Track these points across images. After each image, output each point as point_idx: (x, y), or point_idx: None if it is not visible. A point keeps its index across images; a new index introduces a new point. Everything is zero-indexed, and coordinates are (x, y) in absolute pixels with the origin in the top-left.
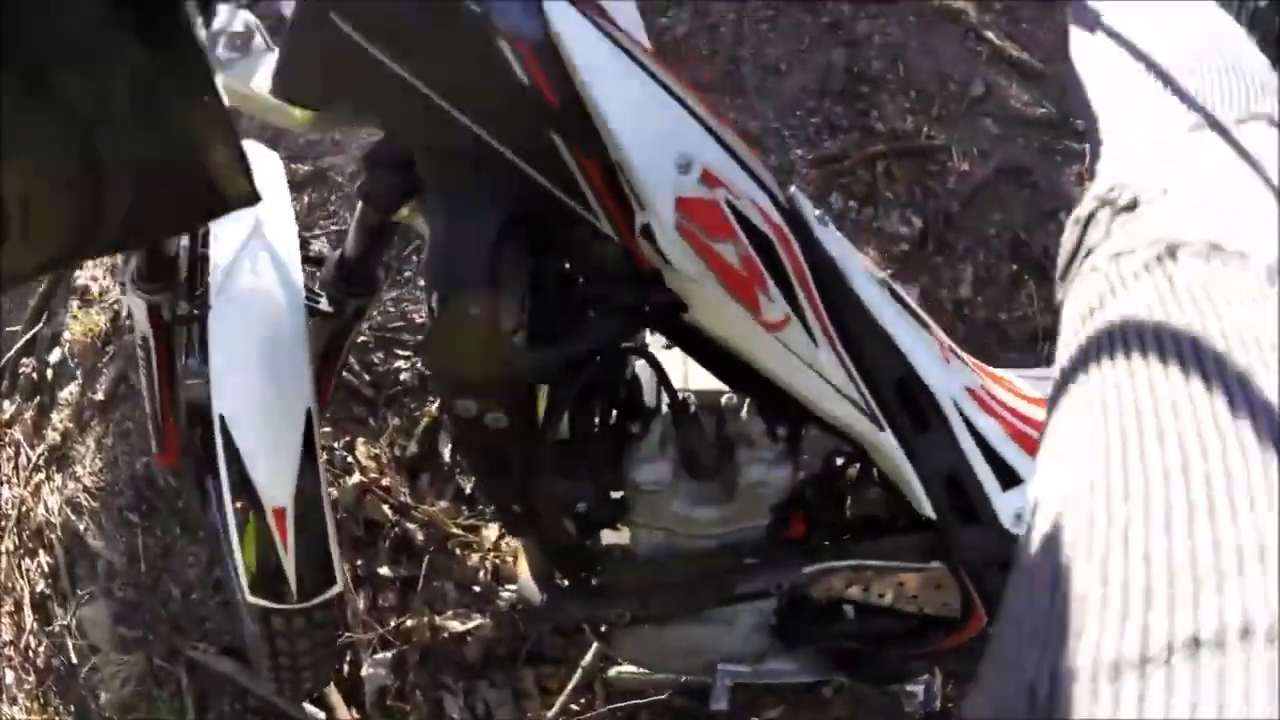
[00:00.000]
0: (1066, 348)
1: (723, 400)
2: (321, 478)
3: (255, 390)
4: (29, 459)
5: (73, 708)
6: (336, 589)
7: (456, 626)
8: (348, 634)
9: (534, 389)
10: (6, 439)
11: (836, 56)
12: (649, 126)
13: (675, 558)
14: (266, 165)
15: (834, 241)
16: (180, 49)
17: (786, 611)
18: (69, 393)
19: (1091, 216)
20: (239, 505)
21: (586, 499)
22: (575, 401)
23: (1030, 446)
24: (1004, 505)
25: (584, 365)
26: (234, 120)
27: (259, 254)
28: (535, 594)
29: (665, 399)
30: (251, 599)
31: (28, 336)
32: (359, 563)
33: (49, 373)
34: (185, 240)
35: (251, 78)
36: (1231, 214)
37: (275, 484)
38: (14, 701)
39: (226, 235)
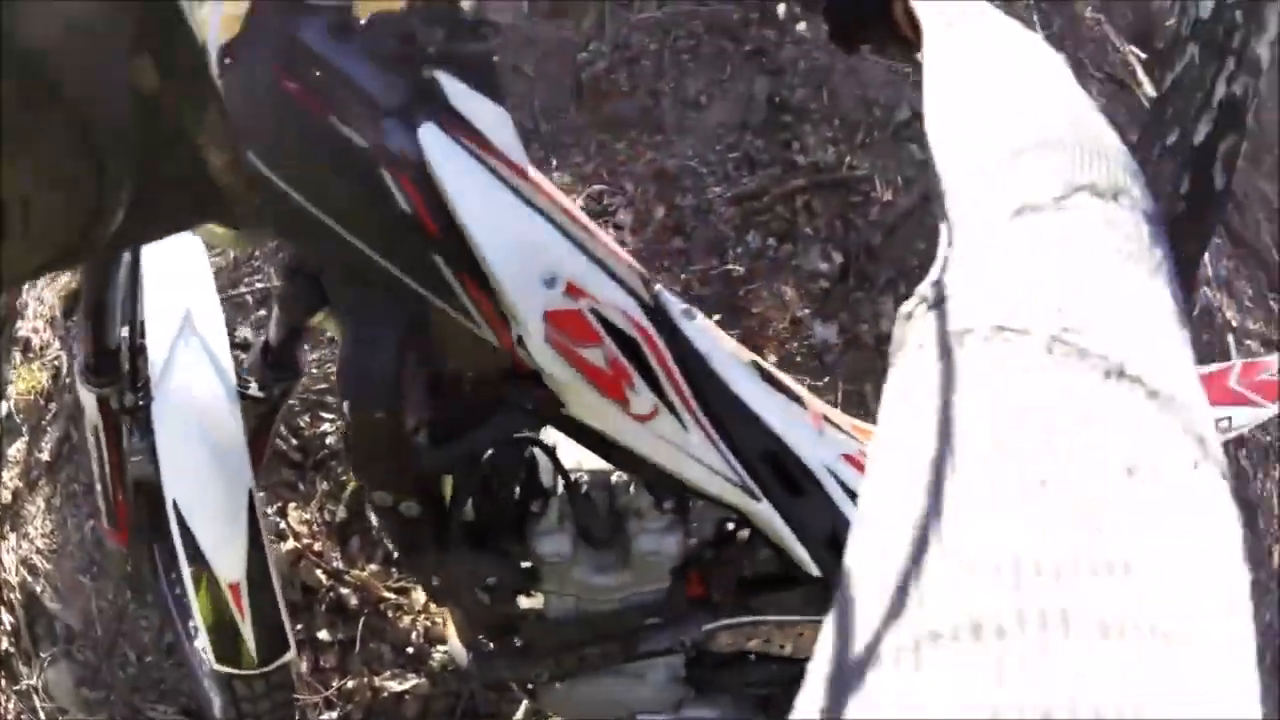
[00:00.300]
0: (881, 428)
1: (612, 478)
2: (268, 550)
3: (202, 476)
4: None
5: None
6: (291, 654)
7: (394, 686)
8: (296, 696)
9: (441, 477)
10: None
11: (759, 86)
12: (516, 247)
13: (585, 620)
14: (191, 253)
15: (700, 333)
16: (180, 48)
17: (695, 662)
18: (16, 450)
19: (911, 313)
20: (198, 584)
21: (495, 573)
22: (478, 487)
23: None
24: None
25: (481, 456)
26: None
27: (192, 344)
28: (463, 655)
29: (561, 480)
30: (217, 667)
31: None
32: (299, 626)
33: None
34: (125, 332)
35: None
36: (1023, 295)
37: (229, 561)
38: None
39: (160, 328)
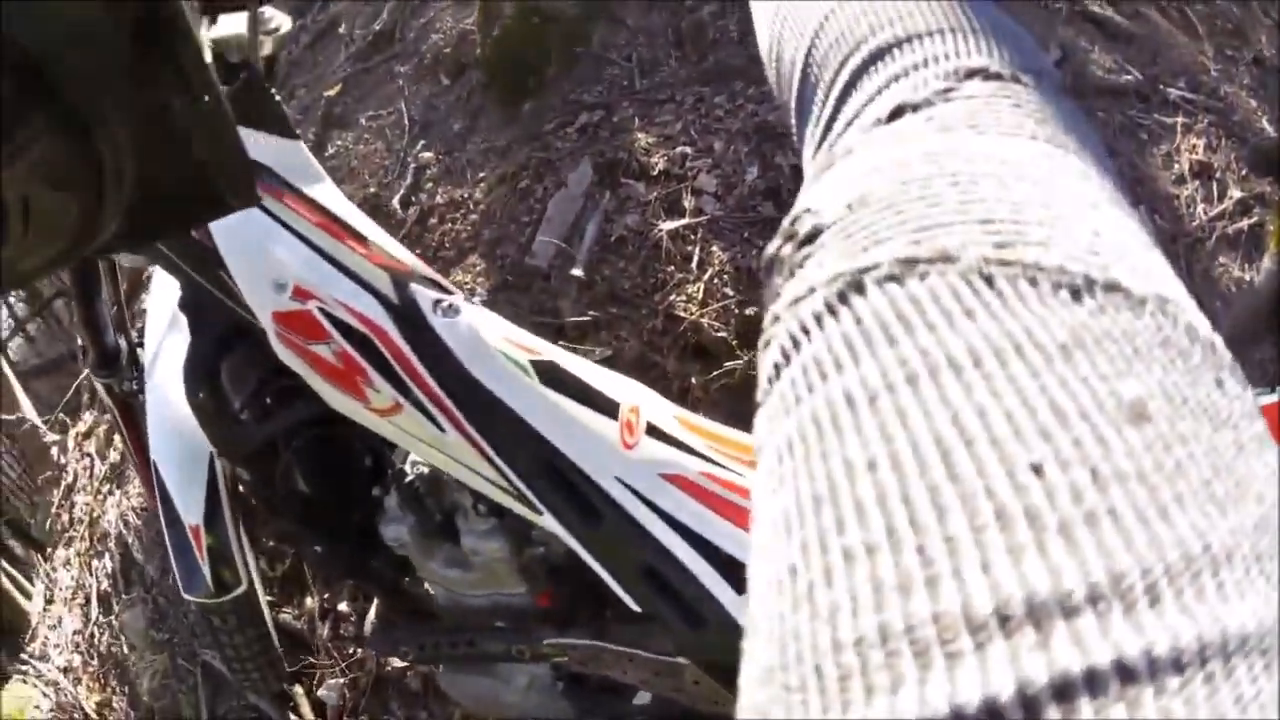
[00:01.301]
0: (758, 417)
1: (444, 475)
2: (224, 502)
3: (173, 442)
4: (99, 471)
5: (126, 689)
6: (242, 588)
7: (398, 662)
8: (312, 659)
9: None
10: (82, 450)
11: None
12: (252, 259)
13: (459, 613)
14: None
15: (454, 329)
16: (180, 49)
17: (577, 681)
18: None
19: (777, 257)
20: (170, 525)
21: (319, 543)
22: (307, 465)
23: None
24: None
25: (291, 437)
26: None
27: (176, 339)
28: (370, 626)
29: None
30: (186, 596)
31: None
32: (325, 596)
33: None
34: (123, 341)
35: None
36: (932, 212)
37: (189, 508)
38: (79, 682)
39: (154, 328)
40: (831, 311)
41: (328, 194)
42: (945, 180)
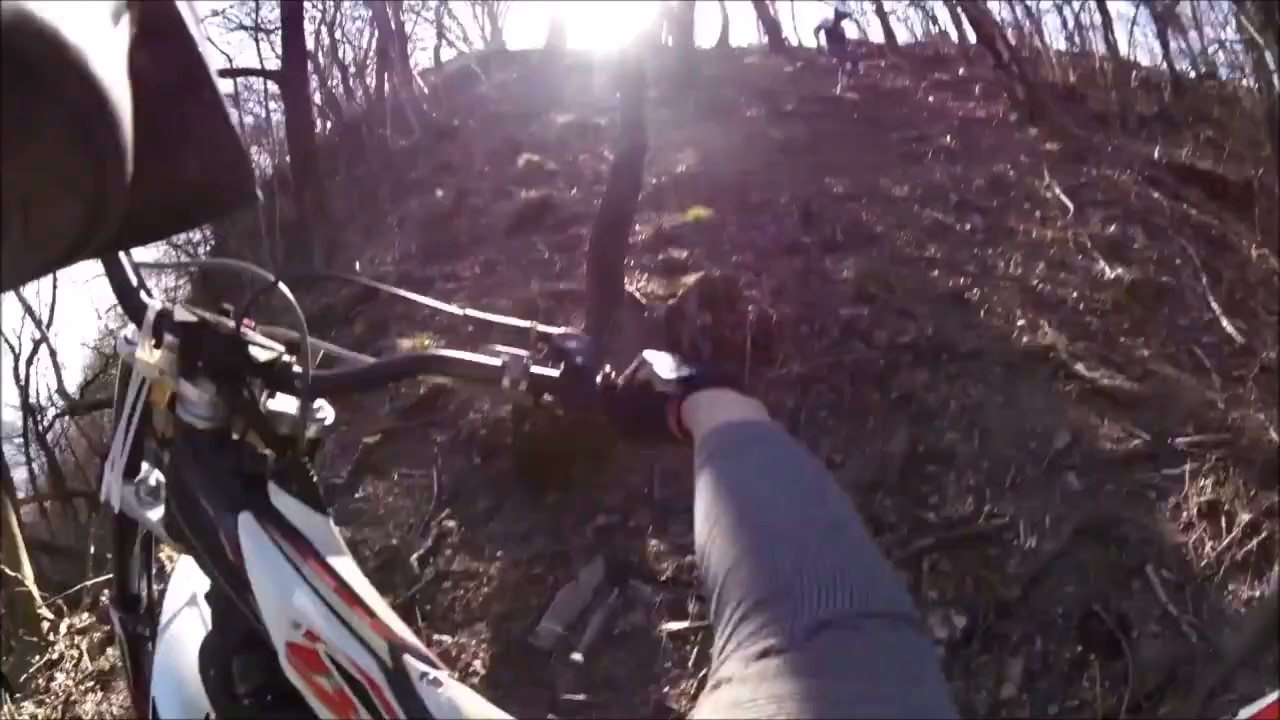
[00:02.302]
0: None
1: None
2: None
3: (176, 693)
4: (86, 668)
5: None
6: None
7: None
8: None
9: None
10: (74, 644)
11: (899, 440)
12: (278, 599)
13: None
14: None
15: (438, 698)
16: (180, 48)
17: None
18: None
19: None
20: None
21: None
22: None
23: None
24: None
25: None
26: (235, 120)
27: (195, 614)
28: None
29: None
30: None
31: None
32: None
33: None
34: (144, 588)
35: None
36: None
37: None
38: None
39: (176, 592)
40: None
41: (346, 567)
42: (833, 700)
